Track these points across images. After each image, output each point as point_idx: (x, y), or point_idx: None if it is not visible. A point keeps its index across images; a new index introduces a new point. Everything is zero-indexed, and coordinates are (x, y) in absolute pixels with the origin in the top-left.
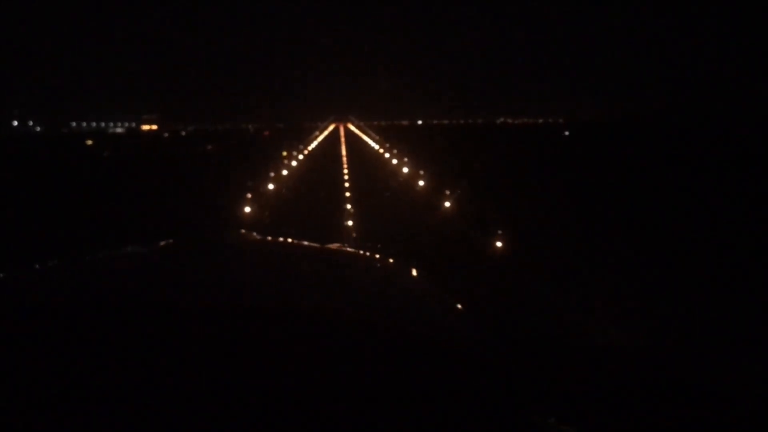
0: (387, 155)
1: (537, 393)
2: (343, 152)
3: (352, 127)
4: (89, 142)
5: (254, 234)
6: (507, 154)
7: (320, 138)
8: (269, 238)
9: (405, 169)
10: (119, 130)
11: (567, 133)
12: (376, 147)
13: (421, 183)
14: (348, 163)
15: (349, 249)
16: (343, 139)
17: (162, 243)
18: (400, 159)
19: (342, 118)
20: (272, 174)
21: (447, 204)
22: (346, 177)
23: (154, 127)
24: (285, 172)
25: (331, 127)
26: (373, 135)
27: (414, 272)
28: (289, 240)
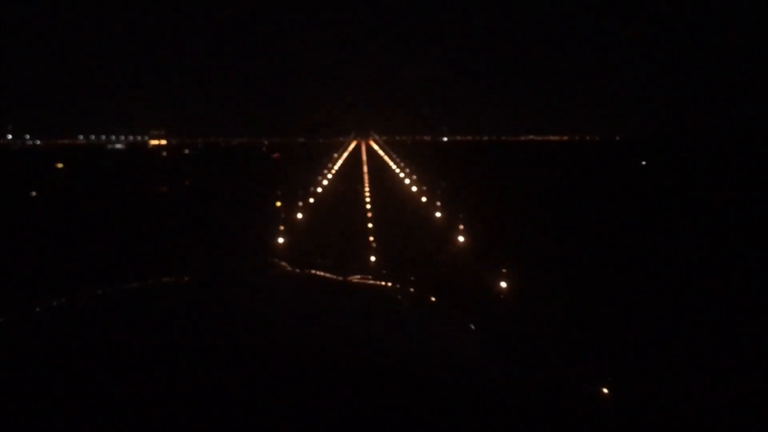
0: (438, 213)
1: None
2: (367, 194)
3: (375, 147)
4: (60, 165)
5: (285, 264)
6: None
7: (338, 163)
8: (297, 270)
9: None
10: (119, 146)
11: (644, 162)
12: (414, 187)
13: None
14: (375, 226)
15: (373, 281)
16: (365, 168)
17: (190, 276)
18: (454, 218)
19: (363, 133)
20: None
21: None
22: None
23: (163, 141)
24: None
25: (352, 146)
26: (401, 161)
27: (438, 303)
28: (318, 272)
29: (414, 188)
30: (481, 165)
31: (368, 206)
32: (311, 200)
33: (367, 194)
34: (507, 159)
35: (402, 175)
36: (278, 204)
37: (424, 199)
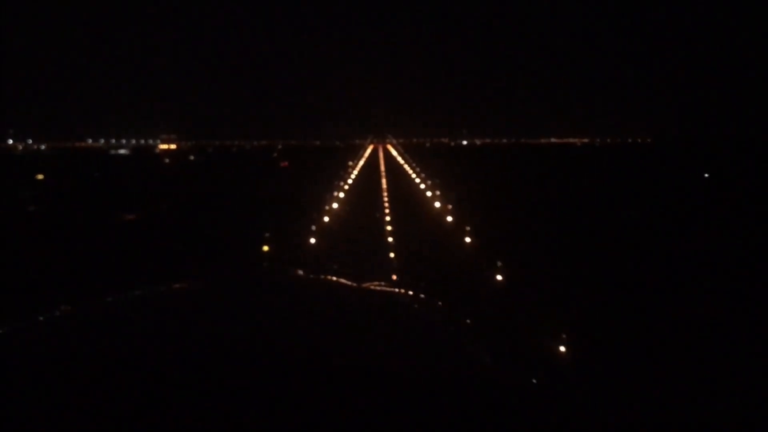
0: (501, 279)
1: None
2: (389, 231)
3: (394, 153)
4: (40, 177)
5: (298, 270)
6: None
7: (352, 175)
8: (312, 275)
9: None
10: (122, 151)
11: (707, 175)
12: (450, 217)
13: None
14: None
15: (387, 288)
16: (384, 183)
17: (205, 280)
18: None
19: (380, 136)
20: None
21: None
22: None
23: (173, 146)
24: None
25: (368, 152)
26: (426, 175)
27: (449, 310)
28: (331, 278)
29: (450, 218)
30: (526, 178)
31: (392, 255)
32: (312, 241)
33: (390, 232)
34: (550, 168)
35: (430, 195)
36: (265, 249)
37: (468, 240)
